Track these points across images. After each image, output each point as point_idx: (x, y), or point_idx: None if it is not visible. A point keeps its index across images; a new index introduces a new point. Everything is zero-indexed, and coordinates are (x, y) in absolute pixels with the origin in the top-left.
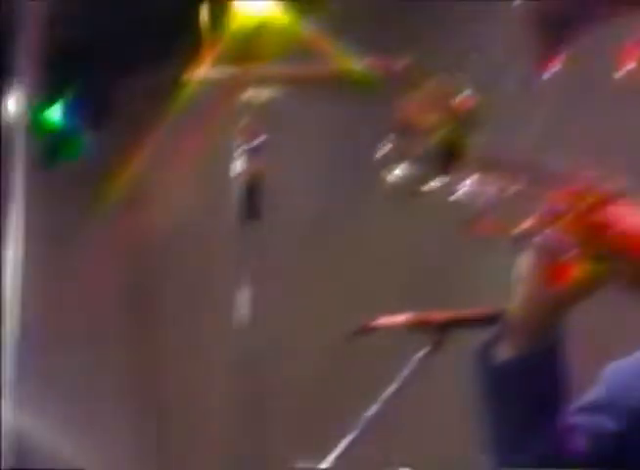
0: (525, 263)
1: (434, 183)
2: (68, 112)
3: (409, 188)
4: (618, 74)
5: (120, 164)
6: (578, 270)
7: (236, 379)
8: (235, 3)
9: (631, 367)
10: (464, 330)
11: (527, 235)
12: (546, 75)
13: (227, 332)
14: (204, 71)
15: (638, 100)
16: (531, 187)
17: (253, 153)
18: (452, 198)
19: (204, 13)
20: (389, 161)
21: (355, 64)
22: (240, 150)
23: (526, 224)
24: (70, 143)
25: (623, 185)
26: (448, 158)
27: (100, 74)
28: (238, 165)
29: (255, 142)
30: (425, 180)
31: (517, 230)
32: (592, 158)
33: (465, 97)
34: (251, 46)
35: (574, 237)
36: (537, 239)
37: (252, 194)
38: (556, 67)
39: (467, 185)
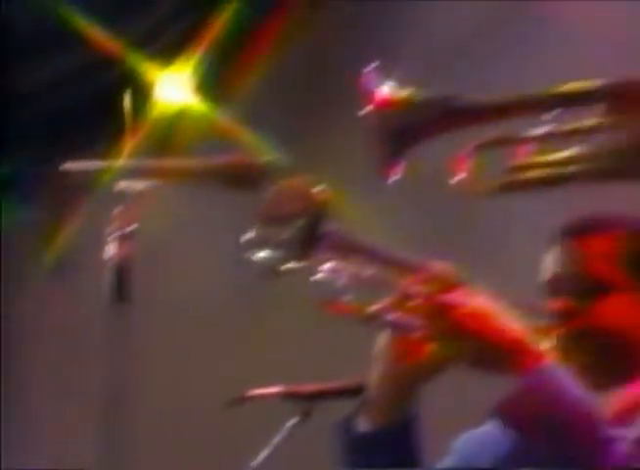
0: (380, 342)
1: (296, 265)
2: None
3: (272, 269)
4: (453, 180)
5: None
6: (428, 349)
7: (107, 448)
8: (156, 92)
9: (478, 438)
10: (331, 401)
11: (380, 316)
12: (391, 179)
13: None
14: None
15: (469, 202)
16: (384, 272)
17: (124, 239)
18: (312, 279)
19: (126, 100)
20: (254, 245)
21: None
22: (112, 236)
23: (379, 306)
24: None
25: (465, 274)
26: (307, 243)
27: (33, 153)
28: (109, 250)
29: (127, 229)
30: (286, 262)
31: (370, 310)
32: (436, 249)
33: (321, 191)
34: (169, 133)
35: (423, 318)
36: (390, 319)
37: (122, 278)
38: (398, 172)
39: (325, 268)
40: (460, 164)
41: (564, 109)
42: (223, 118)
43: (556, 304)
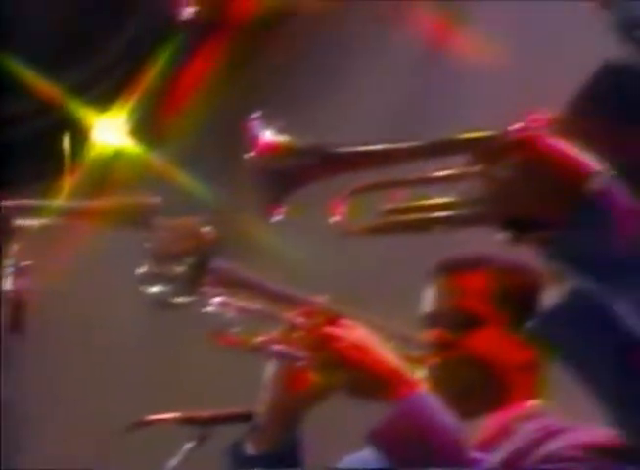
0: (268, 371)
1: (186, 299)
2: None
3: (164, 302)
4: (332, 222)
5: None
6: (311, 378)
7: None
8: (93, 135)
9: (357, 461)
10: (225, 426)
11: (266, 346)
12: (273, 219)
13: None
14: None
15: (347, 242)
16: (271, 306)
17: (20, 274)
18: (203, 311)
19: (65, 143)
20: (148, 279)
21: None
22: (8, 271)
23: (265, 337)
24: None
25: (346, 308)
26: (197, 279)
27: None
28: (5, 284)
29: (22, 264)
30: (177, 296)
31: (256, 342)
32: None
33: (209, 231)
34: (106, 173)
35: (306, 349)
36: (275, 350)
37: (17, 311)
38: (280, 214)
39: (215, 302)
40: (336, 207)
41: (434, 157)
42: (157, 160)
43: (431, 335)
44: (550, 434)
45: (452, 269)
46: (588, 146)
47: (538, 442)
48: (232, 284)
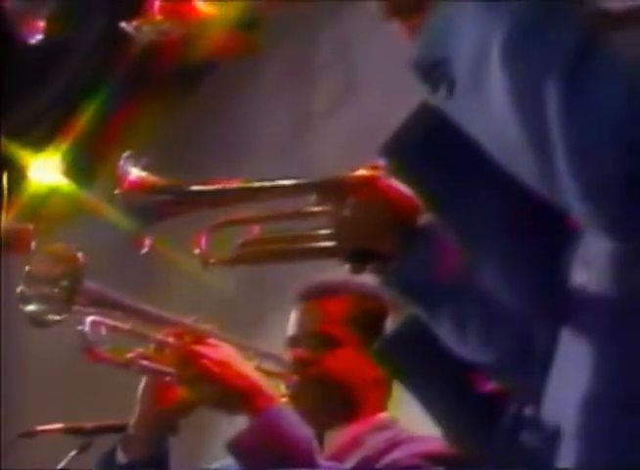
0: (141, 386)
1: (60, 317)
2: None
3: (40, 320)
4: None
5: None
6: (179, 392)
7: None
8: (29, 174)
9: (221, 468)
10: (107, 436)
11: (135, 362)
12: (142, 251)
13: None
14: None
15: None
16: (143, 325)
17: None
18: (78, 328)
19: (3, 181)
20: (25, 299)
21: None
22: None
23: (134, 354)
24: None
25: (212, 328)
26: (70, 299)
27: None
28: None
29: None
30: (52, 315)
31: (125, 358)
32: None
33: (81, 255)
34: (41, 209)
35: (174, 366)
36: (145, 366)
37: None
38: (147, 246)
39: (87, 321)
40: (199, 240)
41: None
42: (90, 197)
43: (293, 355)
44: (395, 444)
45: (313, 295)
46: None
47: (384, 451)
48: (103, 304)
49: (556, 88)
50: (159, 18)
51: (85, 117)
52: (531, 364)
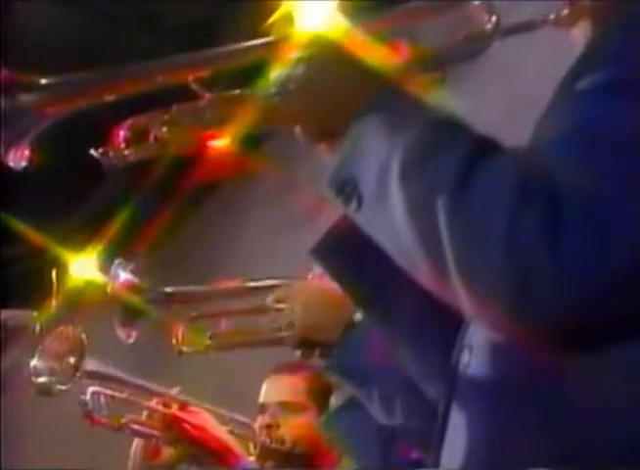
0: (133, 446)
1: (66, 388)
2: None
3: (48, 390)
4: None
5: None
6: (165, 452)
7: None
8: (71, 271)
9: None
10: None
11: (128, 427)
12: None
13: None
14: None
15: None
16: (133, 395)
17: None
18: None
19: (53, 276)
20: (37, 372)
21: None
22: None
23: (127, 419)
24: None
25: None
26: (75, 373)
27: None
28: None
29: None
30: (59, 385)
31: (120, 422)
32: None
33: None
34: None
35: (160, 429)
36: (136, 429)
37: None
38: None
39: (88, 391)
40: (175, 331)
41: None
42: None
43: (261, 421)
44: None
45: (279, 371)
46: None
47: None
48: (102, 377)
49: (444, 203)
50: (122, 145)
51: (115, 226)
52: (433, 433)
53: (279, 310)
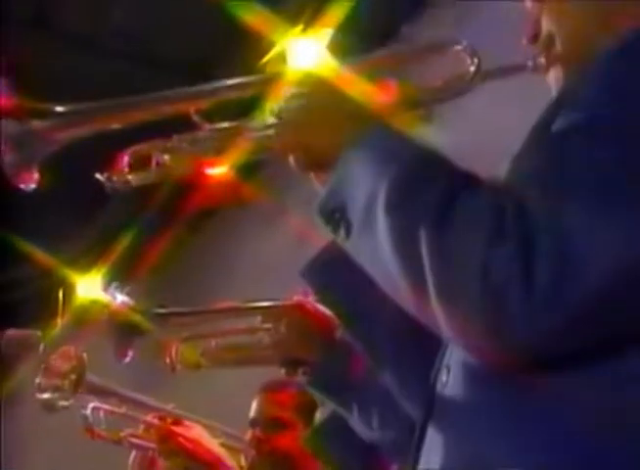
0: (130, 457)
1: (68, 403)
2: None
3: (52, 405)
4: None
5: None
6: (160, 463)
7: None
8: (78, 291)
9: None
10: None
11: (126, 439)
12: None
13: None
14: None
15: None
16: (131, 410)
17: None
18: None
19: (60, 297)
20: (41, 389)
21: None
22: None
23: (125, 433)
24: None
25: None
26: (76, 390)
27: None
28: None
29: None
30: (62, 401)
31: (119, 436)
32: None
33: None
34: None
35: (156, 442)
36: (133, 442)
37: None
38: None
39: (89, 406)
40: (169, 350)
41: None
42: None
43: (251, 434)
44: None
45: (268, 388)
46: None
47: None
48: (102, 393)
49: (426, 233)
50: (126, 170)
51: (118, 250)
52: (410, 445)
53: (266, 330)
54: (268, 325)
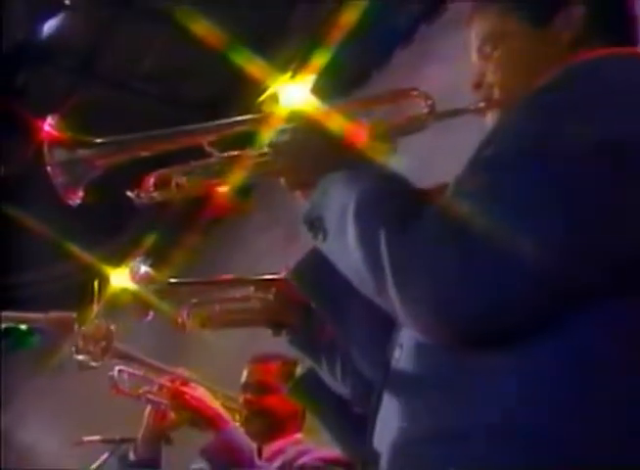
0: (146, 410)
1: (97, 364)
2: None
3: (86, 364)
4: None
5: None
6: (171, 415)
7: None
8: (111, 279)
9: (196, 466)
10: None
11: (144, 396)
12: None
13: None
14: None
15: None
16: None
17: None
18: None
19: (95, 287)
20: (77, 351)
21: None
22: None
23: (143, 390)
24: None
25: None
26: (103, 352)
27: None
28: None
29: None
30: (93, 362)
31: (138, 392)
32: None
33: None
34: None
35: (168, 399)
36: (149, 398)
37: None
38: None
39: (115, 368)
40: (181, 313)
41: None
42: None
43: (244, 397)
44: (304, 452)
45: (257, 360)
46: None
47: (297, 457)
48: (126, 358)
49: (386, 238)
50: (151, 189)
51: (144, 249)
52: (369, 403)
53: (258, 299)
54: (259, 295)
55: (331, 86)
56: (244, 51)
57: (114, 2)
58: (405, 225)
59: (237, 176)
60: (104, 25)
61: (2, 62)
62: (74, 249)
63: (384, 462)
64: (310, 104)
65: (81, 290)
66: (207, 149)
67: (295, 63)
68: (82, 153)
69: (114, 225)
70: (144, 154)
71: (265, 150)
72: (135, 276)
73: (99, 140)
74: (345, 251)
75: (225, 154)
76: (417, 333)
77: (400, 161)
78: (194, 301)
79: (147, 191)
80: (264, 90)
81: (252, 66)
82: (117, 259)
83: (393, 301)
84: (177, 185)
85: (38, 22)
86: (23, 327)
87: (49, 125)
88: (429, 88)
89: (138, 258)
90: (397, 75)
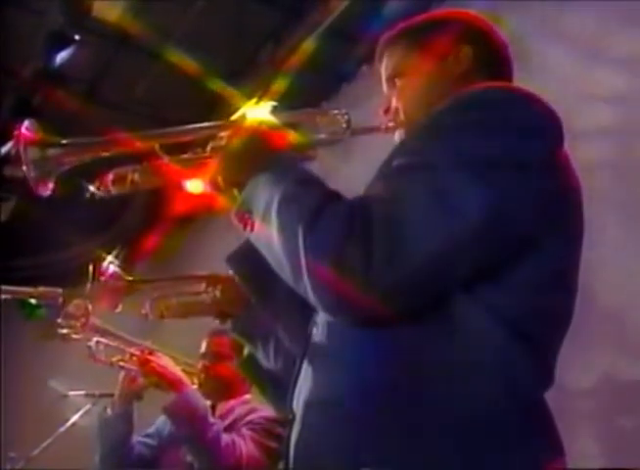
0: (120, 375)
1: (77, 336)
2: None
3: (65, 337)
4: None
5: None
6: (139, 380)
7: None
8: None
9: (163, 420)
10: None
11: (118, 364)
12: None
13: None
14: None
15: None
16: (122, 345)
17: None
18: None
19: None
20: (59, 325)
21: None
22: None
23: (116, 359)
24: None
25: (157, 347)
26: (82, 327)
27: None
28: None
29: None
30: (73, 335)
31: (112, 361)
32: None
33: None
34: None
35: (137, 366)
36: (122, 365)
37: None
38: None
39: (93, 339)
40: (143, 305)
41: None
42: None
43: (200, 364)
44: (251, 411)
45: (213, 334)
46: None
47: (245, 415)
48: (102, 332)
49: (302, 229)
50: (109, 183)
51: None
52: (292, 373)
53: (207, 293)
54: (209, 290)
55: (287, 110)
56: (219, 81)
57: (115, 40)
58: (320, 222)
59: (181, 175)
60: (106, 58)
61: (22, 86)
62: (72, 240)
63: (298, 418)
64: (255, 118)
65: (74, 274)
66: (158, 152)
67: (260, 91)
68: (52, 152)
69: (102, 223)
70: (104, 154)
71: (205, 154)
72: (105, 275)
73: (65, 141)
74: (268, 241)
75: (172, 157)
76: (326, 313)
77: (322, 166)
78: (155, 295)
79: (105, 185)
80: (235, 112)
81: (226, 93)
82: (105, 251)
83: (307, 287)
84: (132, 181)
85: (53, 53)
86: (33, 301)
87: (25, 128)
88: (367, 117)
89: (108, 259)
90: (342, 105)
